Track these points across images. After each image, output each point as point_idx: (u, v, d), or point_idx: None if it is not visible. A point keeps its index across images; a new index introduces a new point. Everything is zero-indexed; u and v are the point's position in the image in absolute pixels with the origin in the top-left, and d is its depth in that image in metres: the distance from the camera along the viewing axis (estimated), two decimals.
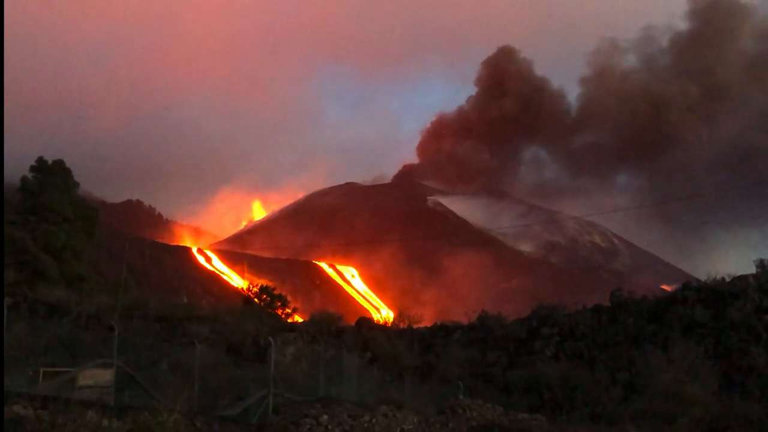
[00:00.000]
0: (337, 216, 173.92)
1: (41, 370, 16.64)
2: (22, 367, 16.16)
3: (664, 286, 79.08)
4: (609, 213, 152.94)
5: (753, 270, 35.18)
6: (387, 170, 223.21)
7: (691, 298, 35.19)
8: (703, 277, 37.28)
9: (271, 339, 21.94)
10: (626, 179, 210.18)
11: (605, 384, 29.52)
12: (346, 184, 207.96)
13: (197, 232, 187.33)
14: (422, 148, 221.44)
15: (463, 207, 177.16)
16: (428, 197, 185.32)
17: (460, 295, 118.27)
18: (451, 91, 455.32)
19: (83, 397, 14.17)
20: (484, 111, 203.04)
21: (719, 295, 34.64)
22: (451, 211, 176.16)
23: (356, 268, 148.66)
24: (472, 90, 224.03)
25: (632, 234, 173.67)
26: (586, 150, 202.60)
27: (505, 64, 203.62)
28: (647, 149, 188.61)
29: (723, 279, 35.49)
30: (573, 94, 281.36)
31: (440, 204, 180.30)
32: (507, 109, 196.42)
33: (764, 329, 32.69)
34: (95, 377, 16.62)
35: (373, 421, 16.91)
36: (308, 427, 15.64)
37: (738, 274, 35.41)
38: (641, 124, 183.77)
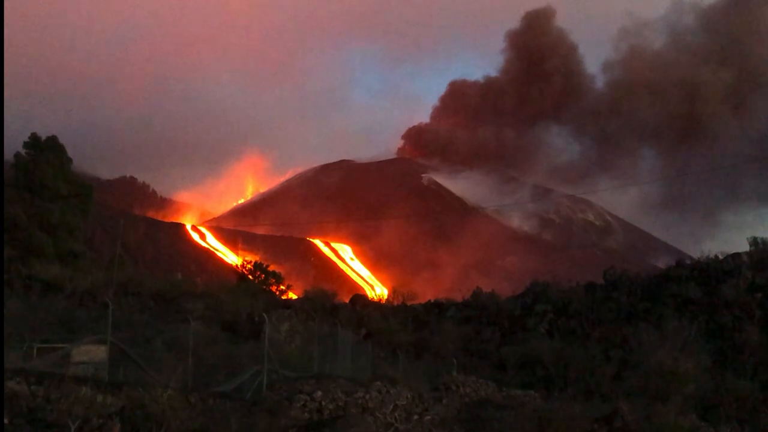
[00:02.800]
0: (331, 193, 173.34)
1: (36, 346, 16.66)
2: (17, 343, 16.16)
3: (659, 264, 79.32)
4: (605, 191, 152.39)
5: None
6: (391, 147, 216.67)
7: (684, 276, 35.36)
8: (697, 255, 37.49)
9: (265, 316, 21.97)
10: (649, 164, 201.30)
11: (598, 361, 29.68)
12: (341, 161, 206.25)
13: (192, 209, 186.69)
14: (433, 119, 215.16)
15: (458, 185, 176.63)
16: (423, 174, 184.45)
17: (454, 272, 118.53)
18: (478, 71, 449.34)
19: (78, 374, 14.19)
20: (508, 90, 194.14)
21: (713, 272, 34.81)
22: (446, 189, 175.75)
23: (350, 245, 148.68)
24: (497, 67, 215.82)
25: (642, 216, 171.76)
26: (608, 133, 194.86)
27: (538, 38, 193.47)
28: (675, 135, 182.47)
29: (716, 257, 35.65)
30: (596, 70, 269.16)
31: (435, 182, 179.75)
32: (542, 92, 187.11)
33: (757, 307, 32.90)
34: (90, 354, 16.63)
35: (367, 397, 16.98)
36: (302, 402, 15.71)
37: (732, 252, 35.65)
38: (671, 110, 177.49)
